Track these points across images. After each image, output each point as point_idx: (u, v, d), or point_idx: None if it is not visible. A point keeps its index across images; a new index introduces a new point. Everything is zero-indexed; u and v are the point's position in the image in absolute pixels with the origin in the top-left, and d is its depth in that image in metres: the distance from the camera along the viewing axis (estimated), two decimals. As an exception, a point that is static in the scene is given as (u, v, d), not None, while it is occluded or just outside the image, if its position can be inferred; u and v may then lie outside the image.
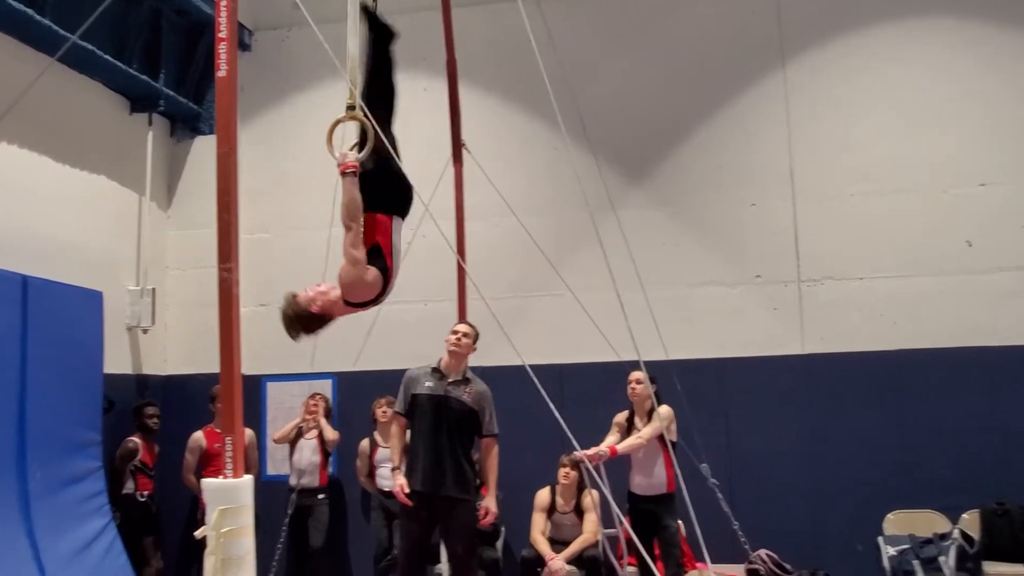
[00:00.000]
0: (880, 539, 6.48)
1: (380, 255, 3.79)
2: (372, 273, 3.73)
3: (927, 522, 6.46)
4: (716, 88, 7.46)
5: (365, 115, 3.78)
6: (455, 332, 5.20)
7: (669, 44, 7.58)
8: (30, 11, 6.04)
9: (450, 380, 5.12)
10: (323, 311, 3.76)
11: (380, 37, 4.19)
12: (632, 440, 5.60)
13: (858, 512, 6.66)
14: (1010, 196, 6.85)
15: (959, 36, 7.08)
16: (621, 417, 5.89)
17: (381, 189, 3.83)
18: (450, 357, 5.16)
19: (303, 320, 3.72)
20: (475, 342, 5.26)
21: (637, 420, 5.79)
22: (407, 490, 5.00)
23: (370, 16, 4.21)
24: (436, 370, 5.17)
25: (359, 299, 3.79)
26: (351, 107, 3.82)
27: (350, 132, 3.96)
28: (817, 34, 7.35)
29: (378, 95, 4.05)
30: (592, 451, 5.37)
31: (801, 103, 7.30)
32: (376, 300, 3.85)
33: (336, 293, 3.76)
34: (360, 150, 3.81)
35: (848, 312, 6.99)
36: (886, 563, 6.30)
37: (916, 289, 6.90)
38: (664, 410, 5.64)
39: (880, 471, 6.72)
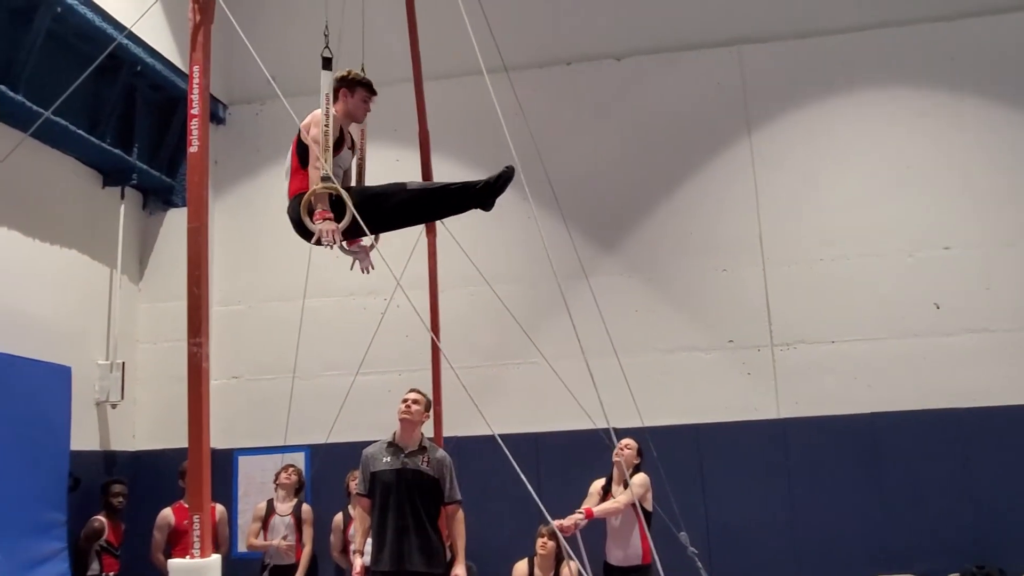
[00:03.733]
0: (862, 606, 6.42)
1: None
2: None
3: (907, 587, 6.41)
4: (685, 157, 7.62)
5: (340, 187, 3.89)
6: (404, 400, 5.17)
7: (638, 113, 7.75)
8: (3, 87, 6.08)
9: (407, 452, 5.06)
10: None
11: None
12: (608, 504, 5.54)
13: (839, 578, 6.60)
14: (975, 259, 7.00)
15: (921, 102, 7.32)
16: (597, 485, 5.84)
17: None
18: (402, 426, 5.12)
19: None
20: (427, 409, 5.23)
21: (614, 487, 5.74)
22: (360, 573, 4.99)
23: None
24: (391, 444, 5.12)
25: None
26: (325, 178, 3.93)
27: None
28: (782, 103, 7.56)
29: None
30: (568, 520, 5.29)
31: (768, 171, 7.46)
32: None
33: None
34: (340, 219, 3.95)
35: (822, 376, 7.04)
36: (869, 630, 6.23)
37: (887, 352, 6.98)
38: (639, 478, 5.61)
39: (860, 535, 6.69)
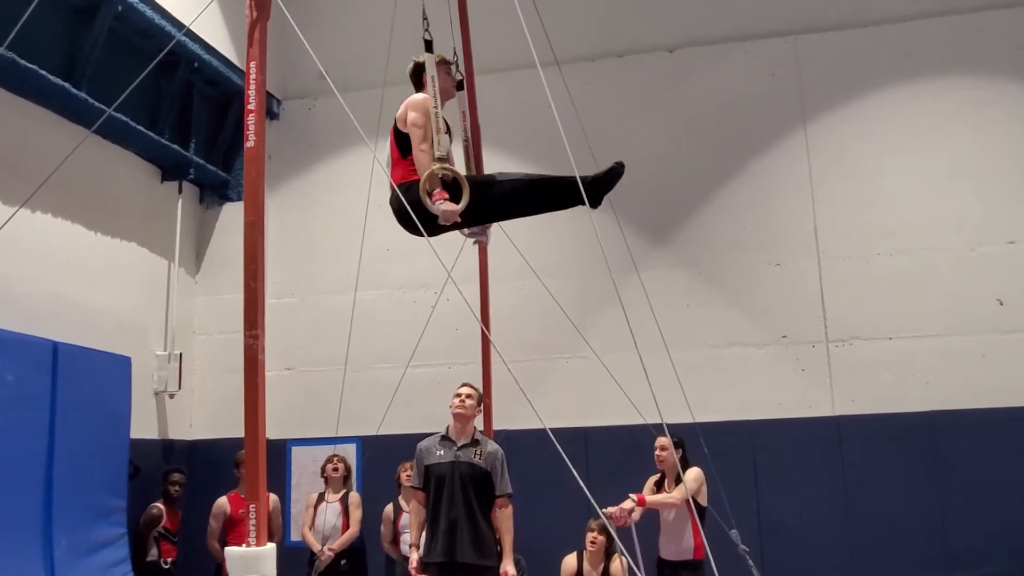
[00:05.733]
0: (918, 608, 6.29)
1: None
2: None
3: (967, 590, 6.26)
4: (738, 150, 7.51)
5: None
6: (458, 395, 5.22)
7: (690, 106, 7.66)
8: (67, 84, 6.25)
9: (459, 445, 5.12)
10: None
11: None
12: (662, 496, 5.50)
13: (895, 579, 6.47)
14: (1040, 253, 6.78)
15: (982, 91, 7.10)
16: (652, 480, 5.80)
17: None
18: (455, 421, 5.19)
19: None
20: (479, 403, 5.27)
21: (667, 483, 5.70)
22: (416, 567, 5.08)
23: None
24: (445, 438, 5.20)
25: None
26: (441, 159, 3.97)
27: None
28: (838, 94, 7.40)
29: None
30: (616, 508, 5.25)
31: (823, 162, 7.32)
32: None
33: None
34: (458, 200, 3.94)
35: (878, 373, 6.89)
36: (926, 633, 6.10)
37: (947, 349, 6.80)
38: (693, 472, 5.57)
39: (915, 536, 6.54)
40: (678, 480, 5.57)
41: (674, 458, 5.53)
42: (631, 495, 5.35)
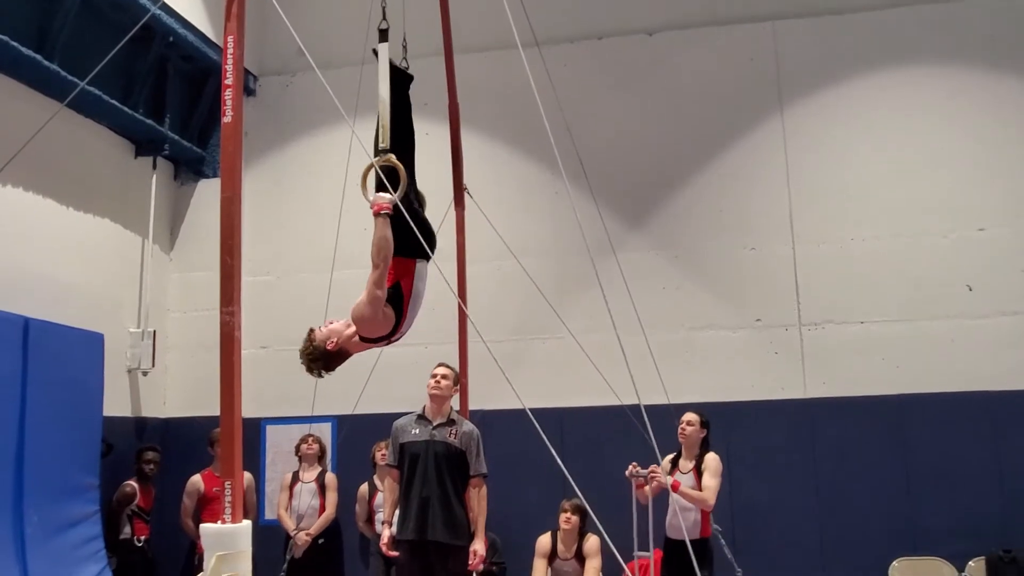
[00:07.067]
0: (885, 587, 6.41)
1: (400, 295, 3.83)
2: (387, 312, 3.76)
3: (933, 570, 6.39)
4: (715, 133, 7.54)
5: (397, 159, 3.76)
6: (434, 375, 5.28)
7: (668, 89, 7.68)
8: (38, 56, 6.14)
9: (435, 424, 5.15)
10: (340, 348, 3.75)
11: (398, 82, 4.20)
12: (695, 493, 5.49)
13: (864, 559, 6.59)
14: (1010, 240, 6.88)
15: (956, 81, 7.17)
16: (668, 457, 5.77)
17: (406, 232, 3.78)
18: (432, 401, 5.25)
19: (323, 358, 3.71)
20: (455, 383, 5.30)
21: (683, 461, 5.74)
22: (388, 543, 5.14)
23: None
24: (421, 416, 5.25)
25: (372, 335, 3.80)
26: (384, 151, 3.79)
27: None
28: (815, 80, 7.44)
29: (400, 139, 4.06)
30: (650, 474, 5.33)
31: (800, 148, 7.37)
32: (391, 337, 3.86)
33: (351, 330, 3.77)
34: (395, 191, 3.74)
35: (850, 356, 6.98)
36: (892, 611, 6.22)
37: (918, 333, 6.90)
38: (715, 463, 5.60)
39: (885, 517, 6.66)
40: (696, 460, 5.63)
41: (697, 436, 5.63)
42: (669, 477, 5.37)
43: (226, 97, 3.38)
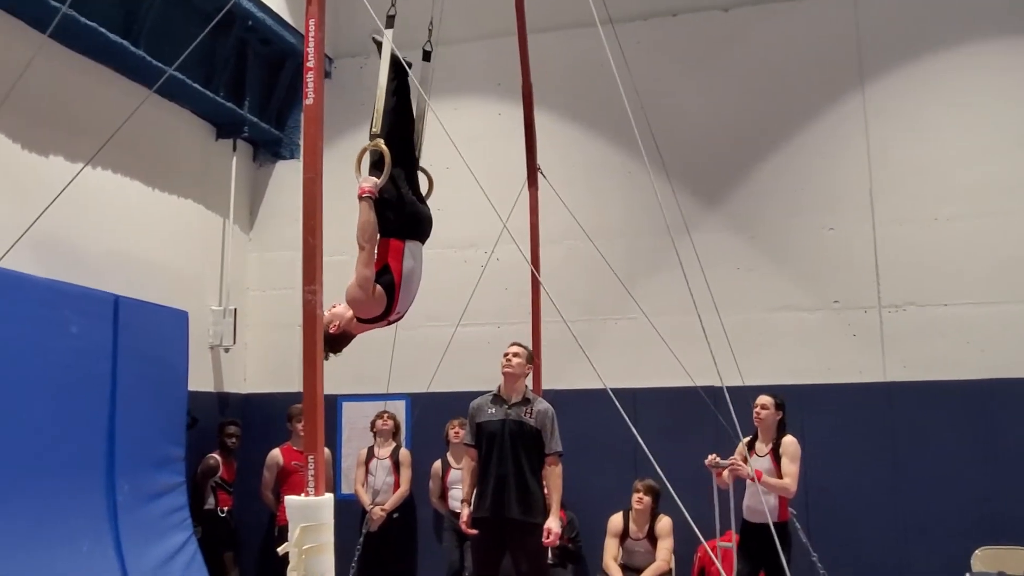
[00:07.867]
0: (967, 576, 6.25)
1: (389, 274, 3.94)
2: (377, 291, 3.86)
3: (1017, 560, 6.18)
4: (794, 111, 7.37)
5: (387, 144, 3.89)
6: (506, 354, 5.29)
7: (746, 67, 7.52)
8: (125, 42, 6.33)
9: (511, 403, 5.19)
10: (342, 330, 3.88)
11: (398, 71, 4.21)
12: (776, 482, 5.45)
13: (944, 548, 6.42)
14: (1105, 220, 6.59)
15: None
16: (745, 441, 5.63)
17: (398, 215, 4.02)
18: (505, 379, 5.27)
19: (328, 341, 3.78)
20: (529, 361, 5.32)
21: (759, 444, 5.69)
22: (466, 521, 5.20)
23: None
24: (497, 396, 5.28)
25: (367, 315, 3.90)
26: (374, 135, 3.92)
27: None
28: (897, 56, 7.20)
29: (399, 125, 4.16)
30: (732, 463, 5.40)
31: (881, 126, 7.15)
32: (386, 316, 3.96)
33: (349, 312, 3.88)
34: (380, 176, 3.90)
35: (932, 339, 6.79)
36: (974, 601, 6.07)
37: (1003, 316, 6.67)
38: (793, 447, 5.53)
39: (967, 505, 6.48)
40: (774, 444, 5.58)
41: (772, 419, 5.57)
42: (750, 468, 5.36)
43: (308, 79, 3.42)
